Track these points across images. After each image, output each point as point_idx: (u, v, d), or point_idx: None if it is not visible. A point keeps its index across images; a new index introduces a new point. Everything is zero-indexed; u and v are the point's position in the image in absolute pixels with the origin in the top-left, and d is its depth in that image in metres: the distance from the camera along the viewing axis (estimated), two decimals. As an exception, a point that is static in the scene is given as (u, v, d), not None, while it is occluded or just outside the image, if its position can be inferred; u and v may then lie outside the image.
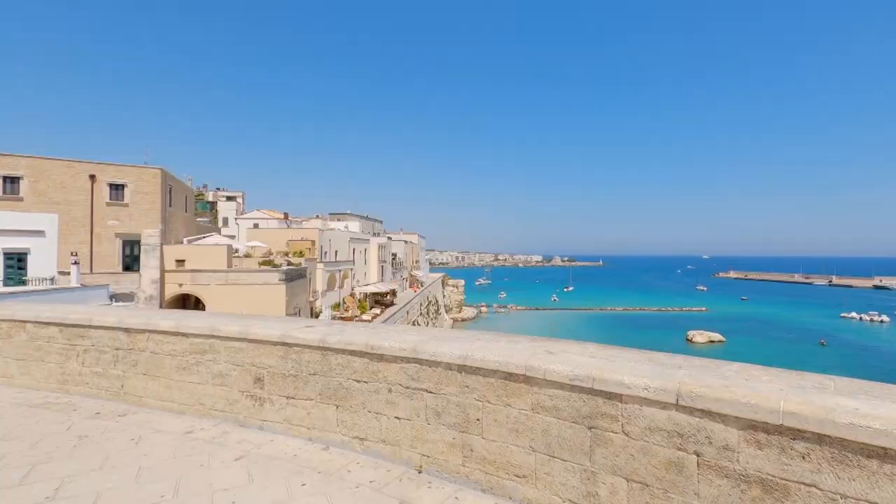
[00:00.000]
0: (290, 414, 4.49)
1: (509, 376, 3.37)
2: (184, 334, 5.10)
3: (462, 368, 3.59)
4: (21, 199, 27.16)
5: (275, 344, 4.56)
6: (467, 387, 3.57)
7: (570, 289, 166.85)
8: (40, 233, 27.92)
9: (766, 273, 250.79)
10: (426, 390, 3.78)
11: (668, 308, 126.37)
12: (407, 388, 3.87)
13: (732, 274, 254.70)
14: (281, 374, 4.55)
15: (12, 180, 27.22)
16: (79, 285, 19.38)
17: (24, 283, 25.44)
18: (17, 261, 27.23)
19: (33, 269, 27.37)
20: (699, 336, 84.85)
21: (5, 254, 23.07)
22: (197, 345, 5.02)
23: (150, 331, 5.30)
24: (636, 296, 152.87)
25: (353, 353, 4.15)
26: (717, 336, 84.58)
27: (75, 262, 19.41)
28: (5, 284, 22.60)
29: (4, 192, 27.03)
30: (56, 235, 28.52)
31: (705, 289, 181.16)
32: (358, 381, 4.13)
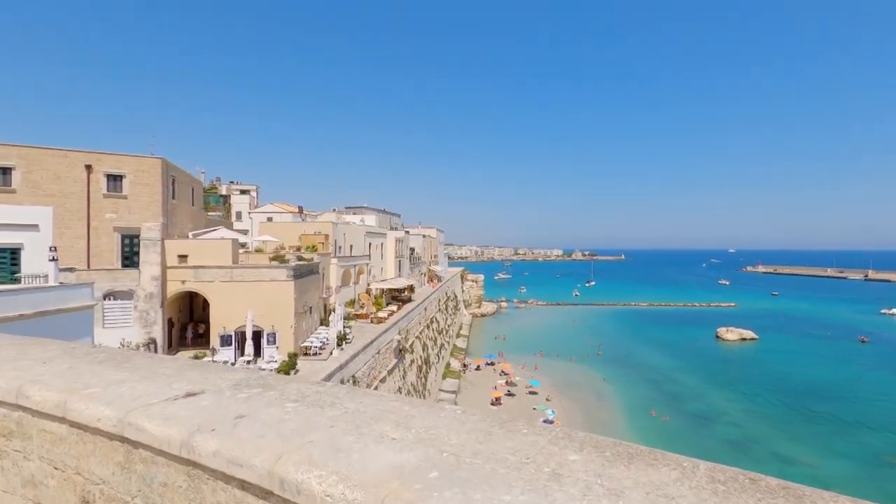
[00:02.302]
0: (139, 588, 2.10)
1: None
2: (-18, 398, 2.75)
3: None
4: (13, 191, 25.54)
5: (110, 437, 2.17)
6: None
7: (592, 283, 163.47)
8: (34, 226, 26.36)
9: (796, 267, 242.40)
10: None
11: (695, 303, 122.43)
12: None
13: (761, 268, 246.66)
14: (121, 502, 2.16)
15: (4, 171, 25.61)
16: (57, 283, 17.45)
17: (17, 280, 23.88)
18: (11, 256, 25.73)
19: (28, 265, 25.84)
20: (730, 333, 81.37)
21: (-3, 249, 21.42)
22: None
23: (-61, 387, 2.97)
24: (660, 291, 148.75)
25: (244, 485, 1.73)
26: (748, 333, 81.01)
27: (53, 259, 17.49)
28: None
29: (-5, 183, 25.49)
30: (51, 229, 26.89)
31: (727, 283, 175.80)
32: (258, 554, 1.72)
